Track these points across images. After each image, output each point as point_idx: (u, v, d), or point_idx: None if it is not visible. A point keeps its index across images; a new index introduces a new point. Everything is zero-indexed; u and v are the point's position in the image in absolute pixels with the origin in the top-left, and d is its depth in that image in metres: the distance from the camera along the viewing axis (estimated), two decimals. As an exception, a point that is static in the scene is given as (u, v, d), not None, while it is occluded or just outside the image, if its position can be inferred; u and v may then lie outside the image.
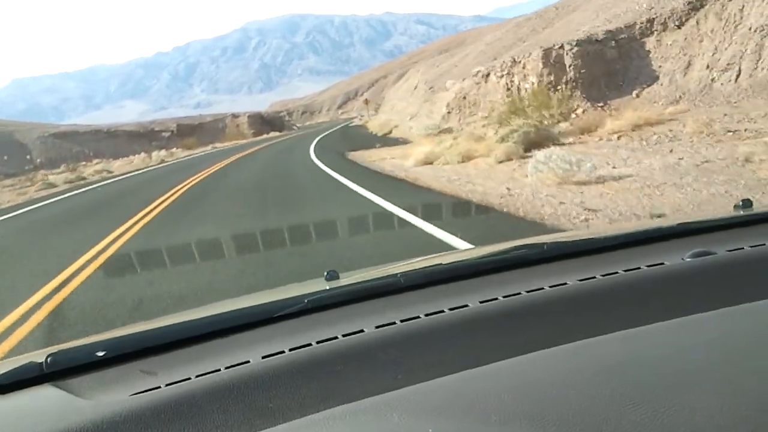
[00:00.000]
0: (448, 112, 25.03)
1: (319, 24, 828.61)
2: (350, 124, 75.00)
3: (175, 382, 1.19)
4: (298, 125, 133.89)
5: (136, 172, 35.19)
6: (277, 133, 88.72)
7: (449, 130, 23.83)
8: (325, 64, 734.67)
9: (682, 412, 0.82)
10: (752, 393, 0.86)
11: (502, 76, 21.62)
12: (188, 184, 19.73)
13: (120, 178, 31.97)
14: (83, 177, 37.69)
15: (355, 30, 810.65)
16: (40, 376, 1.34)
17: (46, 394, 1.28)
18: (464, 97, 24.27)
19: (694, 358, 0.99)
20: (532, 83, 20.10)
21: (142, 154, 58.76)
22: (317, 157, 23.39)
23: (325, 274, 1.83)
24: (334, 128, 66.29)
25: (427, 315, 1.37)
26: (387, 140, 29.47)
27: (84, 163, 63.62)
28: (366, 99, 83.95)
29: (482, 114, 22.66)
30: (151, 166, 41.88)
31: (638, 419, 0.82)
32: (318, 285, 1.74)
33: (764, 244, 1.58)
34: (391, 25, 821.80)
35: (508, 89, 21.09)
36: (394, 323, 1.35)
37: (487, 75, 22.93)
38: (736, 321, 1.12)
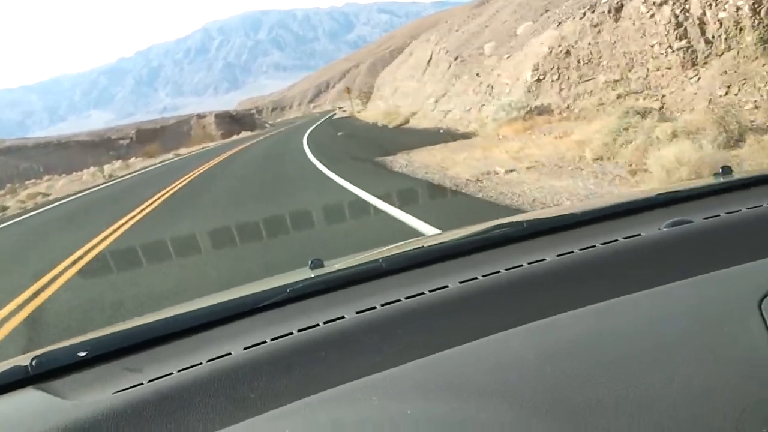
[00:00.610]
0: (538, 80, 15.17)
1: (281, 19, 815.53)
2: (334, 117, 65.90)
3: (158, 378, 1.18)
4: (270, 122, 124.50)
5: (76, 195, 27.10)
6: (249, 133, 79.17)
7: (549, 109, 14.09)
8: (290, 59, 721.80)
9: (661, 381, 0.83)
10: (732, 359, 0.86)
11: (660, 3, 11.91)
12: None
13: (52, 206, 23.80)
14: (5, 207, 28.48)
15: (318, 23, 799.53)
16: (26, 379, 1.32)
17: (29, 397, 1.26)
18: (566, 53, 14.47)
19: (671, 328, 0.99)
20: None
21: (92, 168, 48.60)
22: (334, 170, 13.68)
23: (310, 262, 1.81)
24: (316, 123, 57.53)
25: (407, 298, 1.36)
26: (421, 134, 19.85)
27: (33, 180, 53.60)
28: (347, 87, 73.85)
29: (608, 77, 12.89)
30: (98, 185, 32.21)
31: (616, 391, 0.83)
32: (303, 274, 1.70)
33: (740, 210, 1.56)
34: (354, 15, 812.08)
35: (678, 24, 11.40)
36: (375, 308, 1.33)
37: (620, 6, 13.13)
38: (712, 288, 1.12)
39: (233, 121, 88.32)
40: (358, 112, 54.80)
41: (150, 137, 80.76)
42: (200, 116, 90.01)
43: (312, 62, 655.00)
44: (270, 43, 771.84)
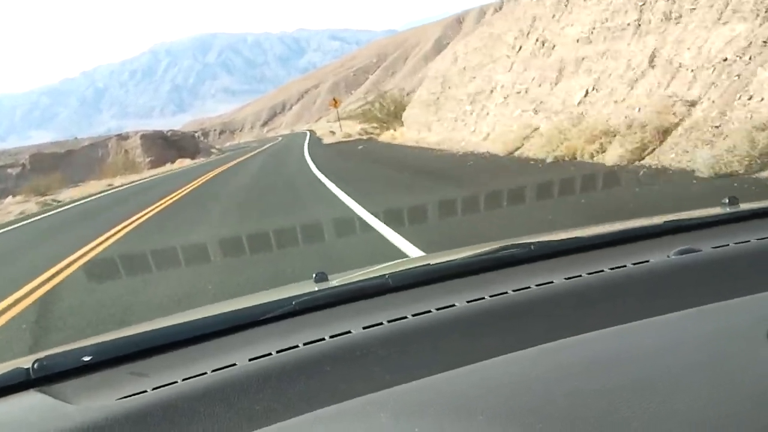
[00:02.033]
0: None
1: (231, 43, 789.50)
2: (323, 141, 43.06)
3: (162, 386, 1.15)
4: (217, 147, 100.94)
5: None
6: (190, 161, 55.27)
7: None
8: (240, 83, 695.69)
9: (668, 409, 0.82)
10: (740, 389, 0.85)
11: None
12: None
13: None
14: None
15: (268, 48, 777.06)
16: (27, 382, 1.29)
17: (31, 400, 1.24)
18: None
19: (680, 355, 0.98)
20: None
21: None
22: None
23: (314, 275, 1.78)
24: (285, 151, 37.72)
25: (414, 315, 1.33)
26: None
27: None
28: (335, 99, 50.66)
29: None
30: None
31: (625, 416, 0.82)
32: (307, 287, 1.69)
33: (749, 241, 1.54)
34: (305, 41, 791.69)
35: None
36: (381, 324, 1.31)
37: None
38: (721, 317, 1.10)
39: (167, 145, 64.15)
40: (377, 134, 33.19)
41: (51, 165, 56.37)
42: (121, 137, 65.33)
43: (262, 87, 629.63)
44: (219, 66, 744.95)
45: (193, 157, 60.36)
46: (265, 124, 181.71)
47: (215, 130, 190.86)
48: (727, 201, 1.95)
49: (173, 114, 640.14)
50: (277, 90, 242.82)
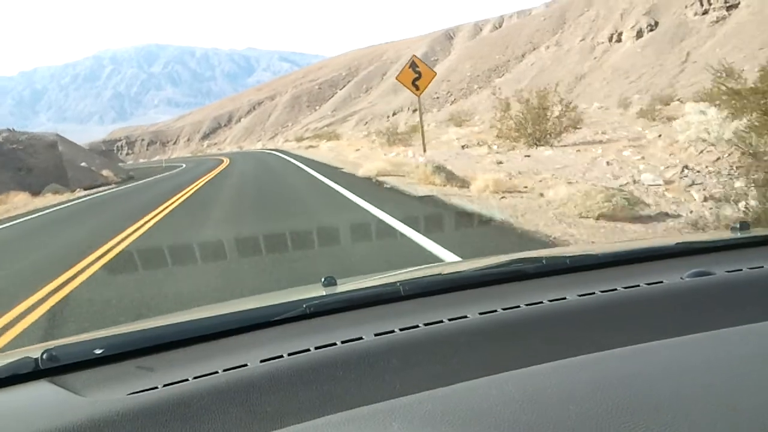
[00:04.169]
0: None
1: (178, 55, 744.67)
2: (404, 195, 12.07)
3: (173, 383, 1.14)
4: (130, 163, 67.23)
5: None
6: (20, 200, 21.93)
7: None
8: (185, 95, 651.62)
9: (679, 430, 0.80)
10: (752, 414, 0.84)
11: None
12: None
13: None
14: None
15: (216, 63, 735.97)
16: (35, 371, 1.27)
17: (42, 390, 1.22)
18: None
19: (692, 378, 0.96)
20: None
21: None
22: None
23: (323, 279, 1.76)
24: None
25: (426, 324, 1.30)
26: None
27: None
28: (418, 71, 17.76)
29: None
30: None
31: None
32: (315, 291, 1.68)
33: (762, 267, 1.52)
34: (254, 60, 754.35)
35: None
36: (393, 331, 1.28)
37: None
38: (735, 342, 1.08)
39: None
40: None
41: None
42: None
43: (207, 101, 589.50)
44: (164, 77, 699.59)
45: (32, 195, 27.02)
46: (205, 137, 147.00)
47: (143, 139, 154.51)
48: (738, 226, 1.90)
49: (113, 121, 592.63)
50: (224, 99, 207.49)
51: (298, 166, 25.88)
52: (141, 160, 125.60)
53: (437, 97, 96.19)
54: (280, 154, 43.57)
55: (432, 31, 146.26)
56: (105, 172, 42.58)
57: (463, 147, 22.64)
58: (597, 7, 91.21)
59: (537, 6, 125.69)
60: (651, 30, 78.09)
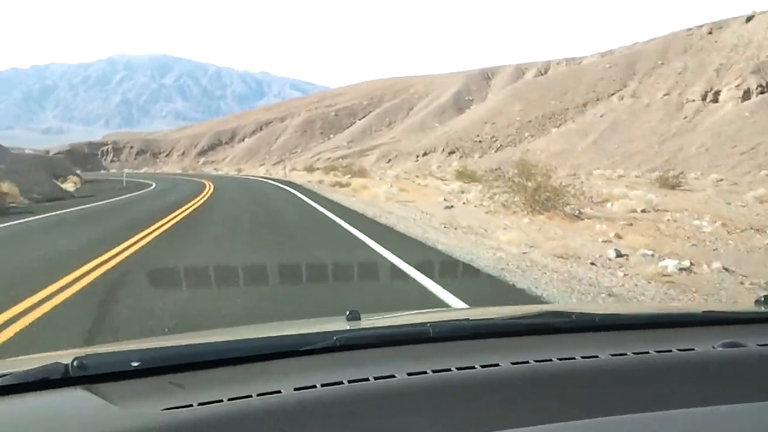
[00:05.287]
0: None
1: (191, 69, 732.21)
2: None
3: (208, 403, 1.12)
4: (102, 172, 49.45)
5: None
6: None
7: None
8: (193, 111, 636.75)
9: None
10: None
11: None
12: None
13: None
14: None
15: (228, 82, 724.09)
16: (65, 378, 1.26)
17: (76, 397, 1.20)
18: None
19: None
20: None
21: None
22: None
23: (347, 313, 1.75)
24: None
25: (458, 369, 1.28)
26: None
27: None
28: None
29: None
30: None
31: None
32: (339, 323, 1.68)
33: None
34: (266, 84, 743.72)
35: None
36: (426, 372, 1.26)
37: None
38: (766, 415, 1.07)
39: None
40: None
41: None
42: None
43: (215, 119, 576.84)
44: (175, 90, 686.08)
45: None
46: (203, 153, 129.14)
47: (131, 147, 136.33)
48: (762, 299, 1.92)
49: (118, 126, 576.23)
50: (229, 116, 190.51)
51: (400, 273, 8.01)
52: (126, 170, 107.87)
53: (479, 141, 79.34)
54: (301, 196, 26.12)
55: (465, 69, 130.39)
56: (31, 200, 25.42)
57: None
58: (685, 60, 74.96)
59: (588, 55, 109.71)
60: (762, 92, 61.76)
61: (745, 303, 1.85)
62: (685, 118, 64.81)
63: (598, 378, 1.26)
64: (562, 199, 16.39)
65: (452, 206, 19.53)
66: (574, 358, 1.34)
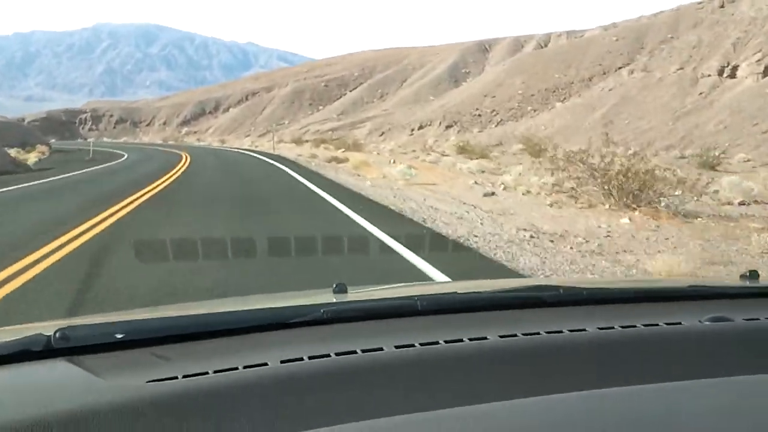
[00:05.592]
0: None
1: (177, 39, 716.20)
2: None
3: (193, 375, 1.11)
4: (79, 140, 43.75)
5: None
6: None
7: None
8: (178, 81, 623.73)
9: None
10: None
11: None
12: None
13: None
14: None
15: (215, 53, 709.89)
16: (46, 350, 1.23)
17: (59, 369, 1.18)
18: None
19: (712, 421, 0.95)
20: None
21: None
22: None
23: (334, 286, 1.73)
24: None
25: (446, 342, 1.28)
26: None
27: None
28: None
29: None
30: None
31: None
32: (326, 296, 1.68)
33: None
34: (253, 55, 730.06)
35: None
36: (414, 345, 1.26)
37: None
38: (753, 390, 1.08)
39: None
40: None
41: None
42: None
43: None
44: (160, 59, 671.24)
45: None
46: (185, 123, 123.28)
47: (111, 115, 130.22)
48: (748, 274, 1.94)
49: (102, 95, 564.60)
50: (214, 85, 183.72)
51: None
52: (105, 139, 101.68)
53: (478, 114, 74.62)
54: (302, 179, 21.32)
55: (461, 41, 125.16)
56: None
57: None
58: (698, 33, 70.33)
59: (590, 28, 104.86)
60: (786, 67, 57.50)
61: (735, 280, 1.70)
62: (701, 93, 60.45)
63: (585, 351, 1.26)
64: (655, 189, 11.94)
65: (493, 193, 15.01)
66: (561, 332, 1.34)
